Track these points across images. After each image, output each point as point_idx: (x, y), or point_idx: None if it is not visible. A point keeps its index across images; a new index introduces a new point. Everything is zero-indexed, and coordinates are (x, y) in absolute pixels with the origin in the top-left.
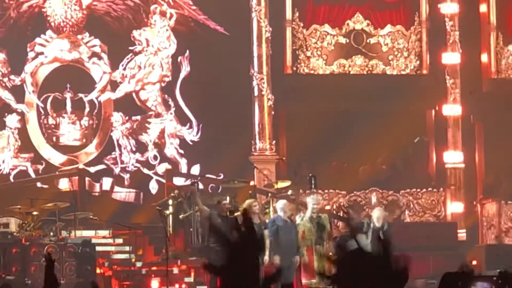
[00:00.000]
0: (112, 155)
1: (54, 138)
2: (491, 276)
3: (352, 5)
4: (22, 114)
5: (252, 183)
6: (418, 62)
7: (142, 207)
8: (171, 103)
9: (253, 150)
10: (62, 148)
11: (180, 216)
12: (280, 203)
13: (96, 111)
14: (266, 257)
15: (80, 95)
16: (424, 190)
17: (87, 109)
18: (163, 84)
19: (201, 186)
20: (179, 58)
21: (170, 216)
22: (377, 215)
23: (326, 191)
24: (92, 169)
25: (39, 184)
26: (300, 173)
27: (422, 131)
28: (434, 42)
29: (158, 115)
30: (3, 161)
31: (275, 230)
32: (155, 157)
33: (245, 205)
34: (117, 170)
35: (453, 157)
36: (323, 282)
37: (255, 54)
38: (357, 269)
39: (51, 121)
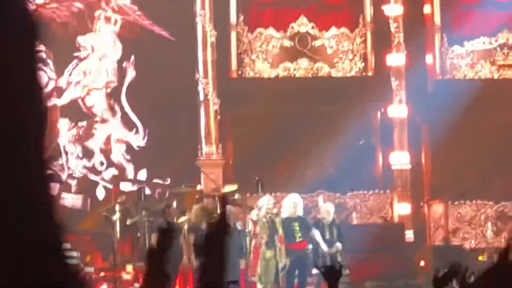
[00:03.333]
0: (58, 161)
1: None
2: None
3: (296, 8)
4: None
5: (199, 187)
6: (363, 64)
7: (89, 213)
8: (117, 108)
9: (199, 154)
10: None
11: (128, 222)
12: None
13: None
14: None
15: None
16: (371, 192)
17: None
18: (108, 90)
19: (148, 191)
20: (125, 63)
21: (118, 221)
22: (327, 209)
23: (273, 194)
24: None
25: None
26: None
27: (369, 133)
28: (379, 44)
29: (104, 121)
30: None
31: None
32: (101, 163)
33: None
34: (64, 176)
35: (400, 159)
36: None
37: (200, 58)
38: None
39: None
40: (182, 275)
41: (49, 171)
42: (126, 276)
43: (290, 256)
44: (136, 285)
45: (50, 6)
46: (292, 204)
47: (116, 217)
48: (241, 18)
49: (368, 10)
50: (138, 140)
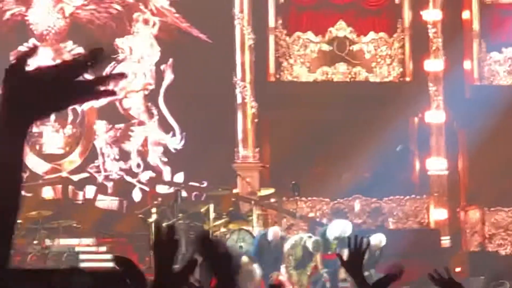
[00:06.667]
0: (95, 163)
1: (37, 147)
2: None
3: (335, 12)
4: None
5: (235, 190)
6: (401, 69)
7: (125, 215)
8: (154, 111)
9: (236, 157)
10: (46, 156)
11: (164, 224)
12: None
13: (79, 119)
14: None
15: None
16: (408, 197)
17: (70, 117)
18: (146, 92)
19: (184, 194)
20: (162, 66)
21: (154, 224)
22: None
23: (309, 198)
24: (76, 177)
25: (22, 193)
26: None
27: (406, 139)
28: (417, 49)
29: (141, 123)
30: None
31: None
32: (138, 165)
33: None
34: (100, 178)
35: (436, 164)
36: None
37: (238, 61)
38: None
39: (34, 129)
40: None
41: None
42: None
43: (325, 267)
44: None
45: (89, 8)
46: (340, 232)
47: (152, 219)
48: (280, 21)
49: (407, 15)
50: (175, 142)
